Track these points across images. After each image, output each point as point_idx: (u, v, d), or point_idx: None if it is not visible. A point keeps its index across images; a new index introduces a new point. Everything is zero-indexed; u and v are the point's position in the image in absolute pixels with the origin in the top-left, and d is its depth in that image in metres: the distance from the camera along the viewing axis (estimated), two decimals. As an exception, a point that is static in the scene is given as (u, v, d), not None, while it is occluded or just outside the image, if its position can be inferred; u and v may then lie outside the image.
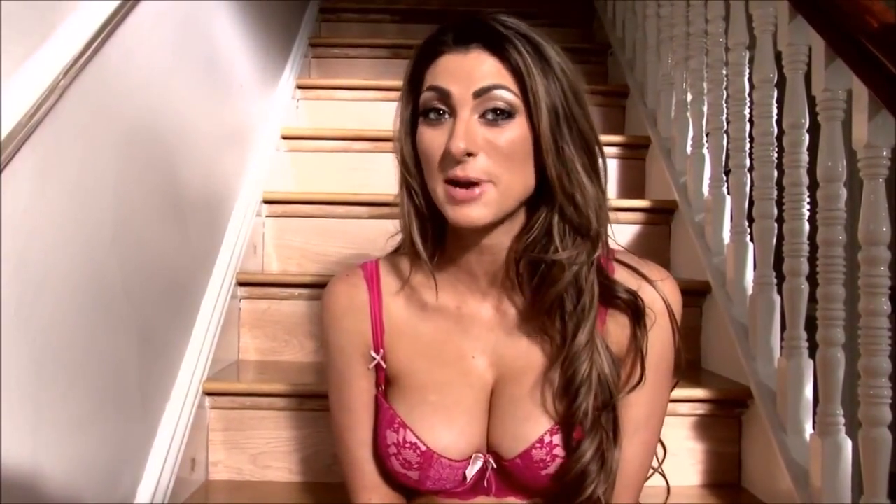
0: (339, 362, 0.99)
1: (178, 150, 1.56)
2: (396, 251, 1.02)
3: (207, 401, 1.62)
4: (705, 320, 1.93)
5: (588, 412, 0.89)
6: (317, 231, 2.14)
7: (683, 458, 1.64)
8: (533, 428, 0.91)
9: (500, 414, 0.94)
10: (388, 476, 0.99)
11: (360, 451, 0.99)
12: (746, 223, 1.81)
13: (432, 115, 0.87)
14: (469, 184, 0.85)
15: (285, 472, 1.59)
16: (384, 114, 2.57)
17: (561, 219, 0.88)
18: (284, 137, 2.44)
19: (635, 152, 2.45)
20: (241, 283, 1.89)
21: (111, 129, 1.25)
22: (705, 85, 2.06)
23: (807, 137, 1.53)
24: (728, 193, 1.94)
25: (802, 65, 1.52)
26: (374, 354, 0.97)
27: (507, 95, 0.85)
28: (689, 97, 2.17)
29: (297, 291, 1.91)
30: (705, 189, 2.07)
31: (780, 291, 1.63)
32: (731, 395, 1.67)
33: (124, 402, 1.30)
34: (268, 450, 1.60)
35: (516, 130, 0.86)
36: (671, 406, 1.47)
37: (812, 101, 1.47)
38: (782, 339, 1.58)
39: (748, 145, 1.82)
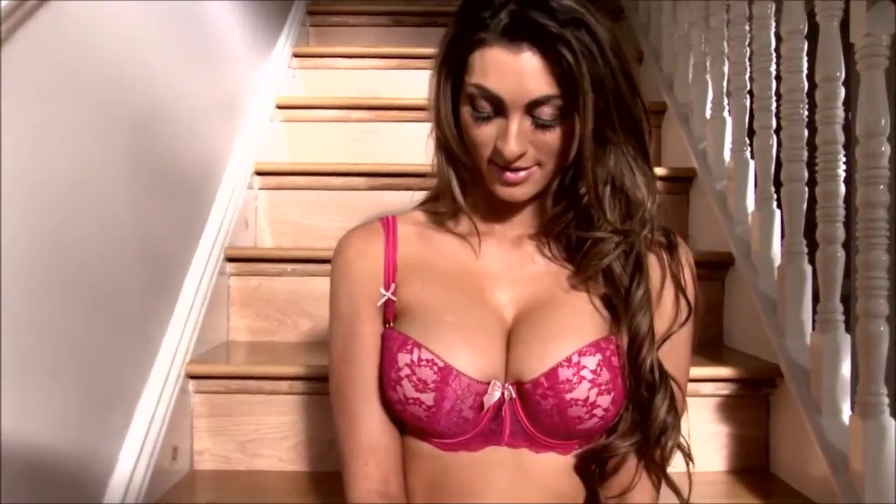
0: (347, 310, 0.94)
1: (157, 117, 1.44)
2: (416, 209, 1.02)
3: (191, 384, 1.51)
4: (728, 295, 1.81)
5: (654, 366, 0.87)
6: (313, 204, 2.04)
7: (706, 442, 1.53)
8: (559, 347, 0.87)
9: (522, 339, 0.90)
10: (390, 431, 0.93)
11: (358, 406, 0.92)
12: (773, 189, 1.69)
13: (482, 113, 0.88)
14: (518, 169, 0.88)
15: (276, 460, 1.50)
16: (385, 83, 2.52)
17: (612, 196, 0.89)
18: (280, 107, 2.33)
19: (651, 119, 2.28)
20: (230, 259, 1.78)
21: (75, 90, 1.13)
22: (726, 44, 1.93)
23: (842, 91, 1.40)
24: (752, 158, 1.81)
25: (839, 11, 1.39)
26: (383, 291, 0.93)
27: (558, 102, 0.86)
28: (709, 58, 2.03)
29: (289, 267, 1.80)
30: (727, 154, 1.95)
31: (810, 261, 1.52)
32: (758, 374, 1.55)
33: (95, 387, 1.19)
34: (257, 437, 1.50)
35: (565, 128, 0.87)
36: (692, 387, 1.44)
37: (847, 51, 1.35)
38: (814, 312, 1.47)
39: (774, 104, 1.68)
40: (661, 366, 0.88)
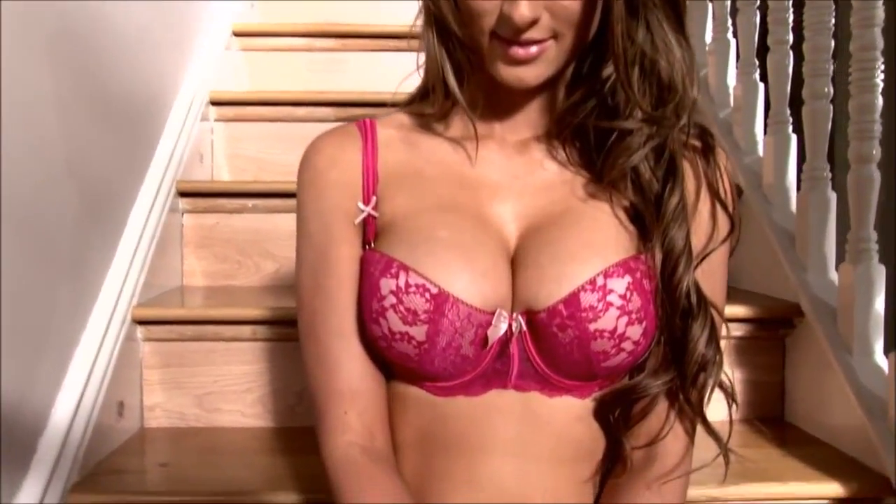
0: (318, 229, 0.83)
1: (96, 33, 1.26)
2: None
3: (139, 331, 1.34)
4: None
5: (691, 289, 0.77)
6: (276, 138, 1.88)
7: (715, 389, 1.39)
8: (580, 268, 0.76)
9: (532, 261, 0.78)
10: (373, 374, 0.83)
11: (335, 345, 0.81)
12: (788, 111, 1.55)
13: None
14: (529, 42, 0.75)
15: (238, 415, 1.37)
16: (354, 7, 2.33)
17: (641, 79, 0.77)
18: (237, 34, 2.16)
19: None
20: (183, 194, 1.62)
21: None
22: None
23: (880, -9, 1.25)
24: (761, 80, 1.66)
25: None
26: (361, 206, 0.82)
27: None
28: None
29: (250, 203, 1.64)
30: (731, 79, 1.80)
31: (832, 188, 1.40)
32: (775, 314, 1.41)
33: (22, 334, 1.01)
34: (216, 389, 1.36)
35: None
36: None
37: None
38: (839, 245, 1.35)
39: (790, 16, 1.53)
40: (699, 289, 0.78)
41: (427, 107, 0.85)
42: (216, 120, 1.87)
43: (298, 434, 1.32)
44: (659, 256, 0.78)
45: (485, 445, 0.78)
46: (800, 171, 1.48)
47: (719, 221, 0.81)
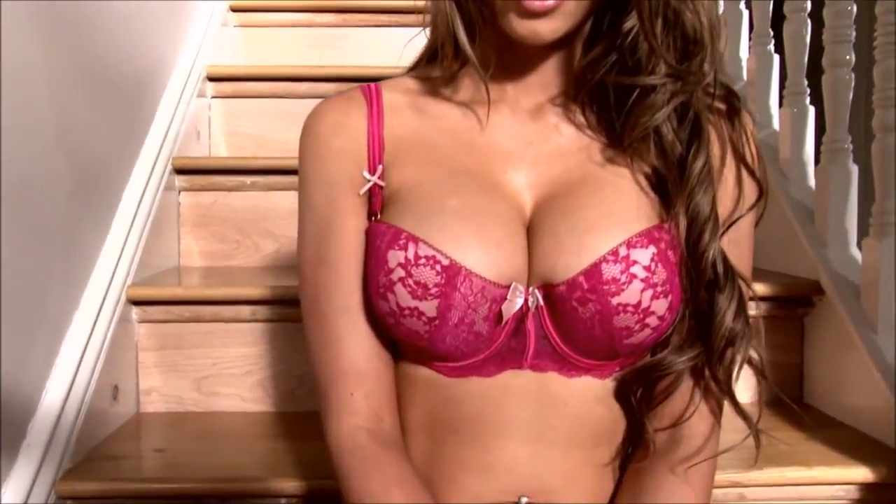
0: (322, 200, 0.81)
1: (81, 7, 1.20)
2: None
3: (134, 312, 1.30)
4: (751, 207, 1.63)
5: (717, 259, 0.73)
6: (275, 114, 1.85)
7: (732, 370, 1.36)
8: (601, 238, 0.73)
9: (549, 231, 0.75)
10: (380, 353, 0.80)
11: (340, 322, 0.78)
12: (806, 82, 1.51)
13: None
14: None
15: (237, 399, 1.33)
16: None
17: (664, 32, 0.74)
18: (234, 10, 2.12)
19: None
20: (180, 171, 1.57)
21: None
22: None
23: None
24: (775, 51, 1.62)
25: None
26: (367, 175, 0.79)
27: None
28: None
29: (249, 180, 1.60)
30: (743, 51, 1.76)
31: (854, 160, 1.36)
32: (794, 292, 1.37)
33: (12, 313, 0.96)
34: (214, 372, 1.32)
35: None
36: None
37: None
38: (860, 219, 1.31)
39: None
40: (725, 259, 0.75)
41: (434, 69, 0.81)
42: (213, 96, 1.83)
43: (300, 419, 1.28)
44: (683, 224, 0.74)
45: (499, 429, 0.75)
46: (818, 144, 1.44)
47: (746, 188, 0.77)
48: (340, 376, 0.77)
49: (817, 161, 1.41)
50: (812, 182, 1.46)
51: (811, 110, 1.50)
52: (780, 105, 1.57)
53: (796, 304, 1.37)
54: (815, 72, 1.43)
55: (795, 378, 1.39)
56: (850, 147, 1.36)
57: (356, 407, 0.76)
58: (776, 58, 1.63)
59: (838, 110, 1.35)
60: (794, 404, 1.33)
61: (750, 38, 1.69)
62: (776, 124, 1.60)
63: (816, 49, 1.41)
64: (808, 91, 1.50)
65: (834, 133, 1.36)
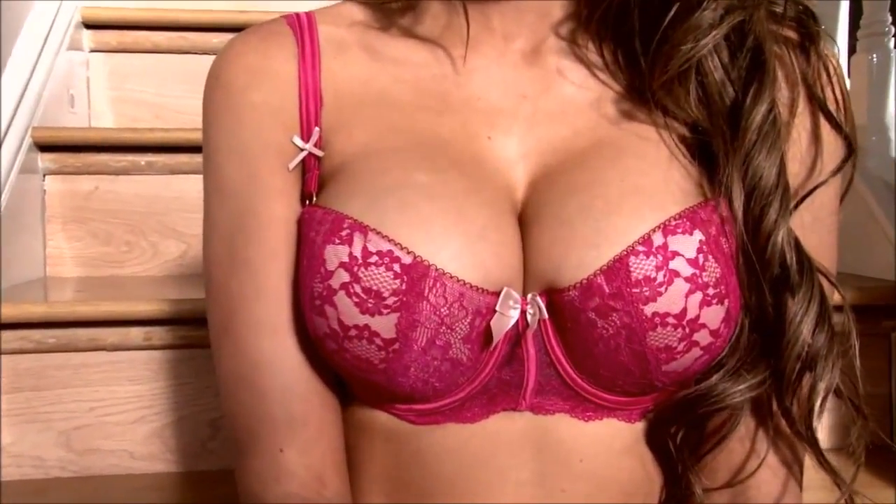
0: (236, 177, 0.79)
1: None
2: None
3: (-20, 342, 1.29)
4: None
5: (787, 246, 0.71)
6: (179, 74, 1.90)
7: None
8: (626, 222, 0.71)
9: (553, 215, 0.74)
10: (321, 391, 0.78)
11: (262, 346, 0.76)
12: (889, 18, 1.54)
13: None
14: None
15: (125, 457, 1.32)
16: None
17: None
18: None
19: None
20: (44, 147, 1.61)
21: None
22: None
23: None
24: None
25: None
26: (299, 142, 0.78)
27: None
28: None
29: (144, 160, 1.62)
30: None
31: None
32: (876, 299, 1.42)
33: None
34: (92, 421, 1.31)
35: None
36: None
37: None
38: None
39: None
40: (798, 246, 0.73)
41: None
42: (93, 49, 1.87)
43: (214, 481, 1.29)
44: (739, 198, 0.73)
45: (488, 495, 0.74)
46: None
47: (826, 145, 0.76)
48: (266, 425, 0.76)
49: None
50: (897, 152, 1.49)
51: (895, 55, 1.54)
52: (851, 52, 1.59)
53: (880, 314, 1.42)
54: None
55: (883, 413, 1.42)
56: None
57: (288, 468, 0.75)
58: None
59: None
60: (887, 452, 1.38)
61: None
62: (847, 78, 1.62)
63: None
64: (894, 30, 1.55)
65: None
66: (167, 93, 1.87)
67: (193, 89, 1.76)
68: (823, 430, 1.38)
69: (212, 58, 1.78)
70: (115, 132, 1.75)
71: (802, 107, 0.76)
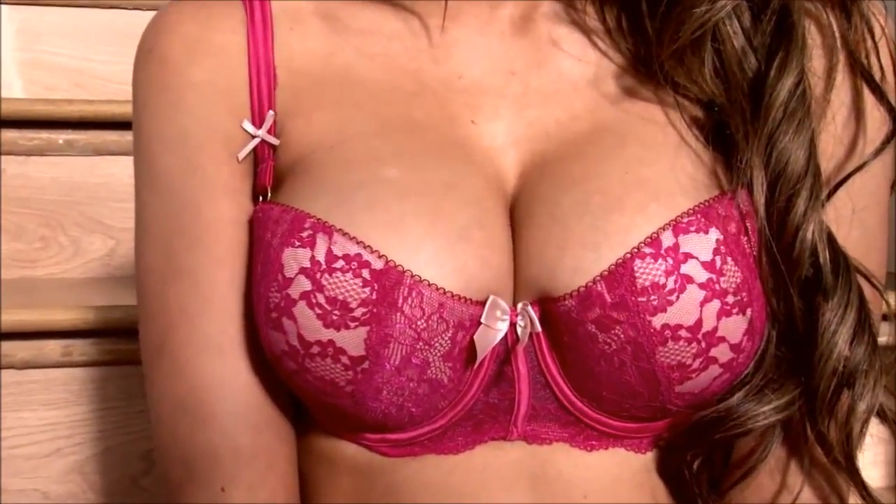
0: (174, 170, 0.82)
1: None
2: None
3: None
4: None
5: (821, 243, 0.74)
6: (105, 34, 1.85)
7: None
8: (631, 220, 0.74)
9: (547, 213, 0.77)
10: (273, 418, 0.82)
11: (204, 367, 0.79)
12: None
13: None
14: None
15: (38, 497, 1.30)
16: None
17: None
18: None
19: None
20: None
21: None
22: None
23: None
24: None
25: None
26: (250, 128, 0.81)
27: None
28: None
29: (62, 137, 1.61)
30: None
31: None
32: None
33: None
34: None
35: None
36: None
37: None
38: None
39: None
40: (833, 242, 0.76)
41: None
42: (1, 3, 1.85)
43: None
44: (761, 187, 0.75)
45: None
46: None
47: (870, 121, 0.78)
48: (205, 458, 0.78)
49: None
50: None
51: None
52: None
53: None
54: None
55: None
56: None
57: None
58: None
59: None
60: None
61: None
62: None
63: None
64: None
65: None
66: (91, 56, 1.85)
67: (124, 52, 1.75)
68: (879, 465, 1.43)
69: (149, 15, 1.82)
70: (26, 103, 1.69)
71: (841, 78, 0.79)
